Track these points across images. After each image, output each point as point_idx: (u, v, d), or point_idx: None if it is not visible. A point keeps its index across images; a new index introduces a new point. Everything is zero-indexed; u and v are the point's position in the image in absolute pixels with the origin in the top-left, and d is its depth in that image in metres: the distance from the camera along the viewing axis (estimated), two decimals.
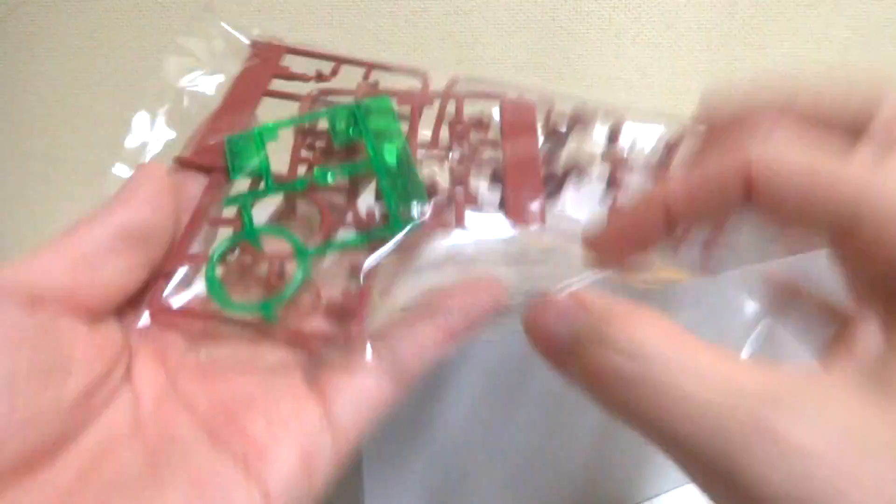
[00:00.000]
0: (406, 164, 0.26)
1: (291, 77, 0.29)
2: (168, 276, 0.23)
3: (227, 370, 0.23)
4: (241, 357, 0.23)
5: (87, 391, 0.19)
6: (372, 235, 0.24)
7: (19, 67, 0.47)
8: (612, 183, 0.28)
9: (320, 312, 0.23)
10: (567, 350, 0.19)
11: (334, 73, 0.29)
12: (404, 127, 0.28)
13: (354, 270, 0.24)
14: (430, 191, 0.26)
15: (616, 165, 0.28)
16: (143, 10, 0.46)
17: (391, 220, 0.24)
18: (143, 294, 0.23)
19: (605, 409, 0.18)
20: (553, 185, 0.27)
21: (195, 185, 0.26)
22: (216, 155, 0.26)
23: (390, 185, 0.25)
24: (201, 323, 0.23)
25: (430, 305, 0.23)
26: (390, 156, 0.26)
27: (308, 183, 0.25)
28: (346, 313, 0.23)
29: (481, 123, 0.28)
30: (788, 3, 0.48)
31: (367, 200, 0.26)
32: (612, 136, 0.29)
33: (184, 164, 0.26)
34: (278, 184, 0.25)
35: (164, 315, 0.23)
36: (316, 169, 0.26)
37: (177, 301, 0.23)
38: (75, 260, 0.20)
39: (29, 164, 0.51)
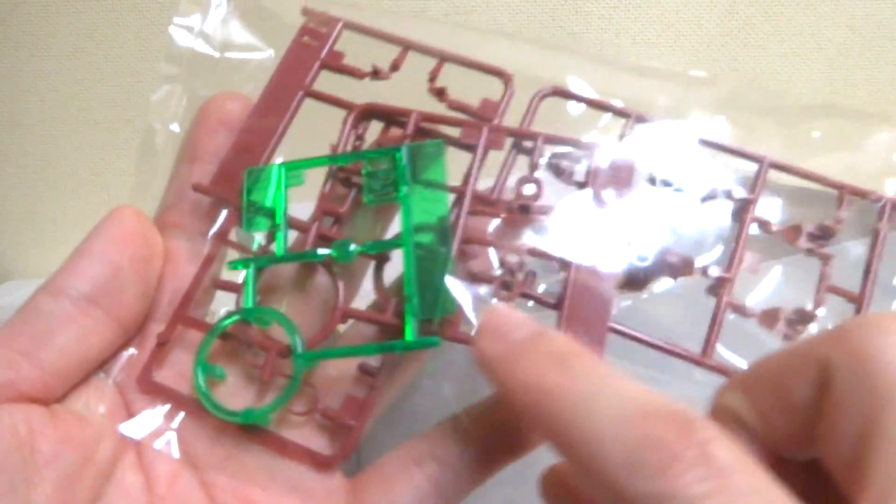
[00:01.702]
0: (442, 247, 0.20)
1: (342, 70, 0.22)
2: (162, 343, 0.20)
3: (256, 467, 0.20)
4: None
5: (63, 487, 0.17)
6: (385, 346, 0.20)
7: (19, 67, 0.47)
8: (720, 287, 0.21)
9: (314, 419, 0.21)
10: (506, 357, 0.17)
11: (395, 67, 0.22)
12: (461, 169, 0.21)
13: (364, 372, 0.21)
14: (477, 278, 0.20)
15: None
16: (142, 11, 0.46)
17: (405, 328, 0.19)
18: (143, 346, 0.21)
19: (526, 418, 0.17)
20: (640, 276, 0.21)
21: (206, 222, 0.22)
22: (237, 184, 0.21)
23: (418, 272, 0.20)
24: (185, 407, 0.20)
25: (425, 445, 0.21)
26: (426, 235, 0.20)
27: (325, 256, 0.21)
28: (343, 426, 0.20)
29: (560, 170, 0.22)
30: (788, 3, 0.48)
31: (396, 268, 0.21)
32: (739, 211, 0.21)
33: (200, 191, 0.21)
34: (290, 253, 0.21)
35: (150, 389, 0.20)
36: (334, 245, 0.21)
37: (168, 373, 0.20)
38: (15, 346, 0.18)
39: (29, 164, 0.51)
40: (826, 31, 0.49)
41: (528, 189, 0.21)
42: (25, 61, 0.47)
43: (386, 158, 0.21)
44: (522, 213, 0.21)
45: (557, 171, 0.21)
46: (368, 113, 0.22)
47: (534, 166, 0.21)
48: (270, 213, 0.21)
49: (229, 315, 0.21)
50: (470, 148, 0.21)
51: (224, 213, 0.22)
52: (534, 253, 0.20)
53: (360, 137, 0.22)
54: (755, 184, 0.22)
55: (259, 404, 0.21)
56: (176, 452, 0.20)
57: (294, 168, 0.21)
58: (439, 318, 0.19)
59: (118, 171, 0.51)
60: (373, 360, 0.21)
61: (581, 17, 0.47)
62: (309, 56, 0.22)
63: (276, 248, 0.21)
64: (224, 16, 0.23)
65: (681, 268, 0.21)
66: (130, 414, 0.20)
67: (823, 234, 0.21)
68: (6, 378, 0.18)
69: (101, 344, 0.20)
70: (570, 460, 0.15)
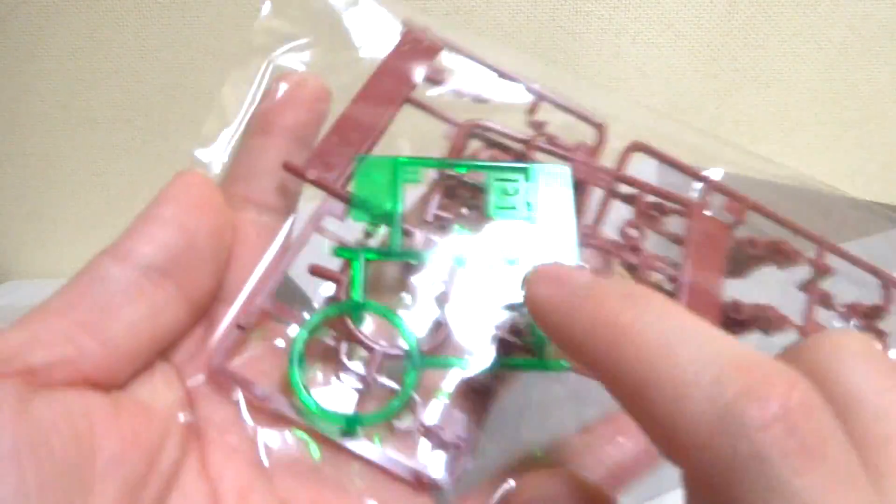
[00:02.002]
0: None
1: (444, 86, 0.22)
2: (243, 326, 0.18)
3: (345, 479, 0.18)
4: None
5: (124, 496, 0.14)
6: (508, 363, 0.19)
7: (19, 67, 0.47)
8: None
9: (417, 435, 0.19)
10: (568, 298, 0.15)
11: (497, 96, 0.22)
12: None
13: (475, 393, 0.19)
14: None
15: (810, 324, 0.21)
16: (142, 11, 0.46)
17: (536, 352, 0.19)
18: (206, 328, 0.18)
19: (592, 365, 0.15)
20: (731, 328, 0.21)
21: (281, 201, 0.20)
22: (336, 168, 0.20)
23: None
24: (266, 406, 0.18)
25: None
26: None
27: (450, 261, 0.20)
28: (451, 446, 0.19)
29: (653, 221, 0.22)
30: (788, 3, 0.48)
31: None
32: (810, 284, 0.21)
33: (292, 171, 0.20)
34: (410, 250, 0.20)
35: (223, 380, 0.18)
36: (459, 252, 0.20)
37: (245, 364, 0.18)
38: (76, 317, 0.15)
39: (29, 164, 0.51)
40: (826, 31, 0.49)
41: (632, 232, 0.21)
42: (25, 61, 0.47)
43: (516, 173, 0.21)
44: (633, 252, 0.21)
45: (651, 223, 0.22)
46: (481, 130, 0.22)
47: (639, 214, 0.22)
48: (375, 209, 0.20)
49: (331, 305, 0.19)
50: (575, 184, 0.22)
51: (305, 193, 0.21)
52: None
53: (459, 152, 0.22)
54: (817, 261, 0.22)
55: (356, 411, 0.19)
56: (256, 456, 0.17)
57: (412, 165, 0.21)
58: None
59: (118, 172, 0.51)
60: (483, 378, 0.19)
61: (581, 17, 0.47)
62: (412, 65, 0.22)
63: (391, 243, 0.20)
64: (326, 3, 0.23)
65: (776, 324, 0.21)
66: (195, 408, 0.17)
67: (877, 314, 0.22)
68: (64, 355, 0.15)
69: (170, 323, 0.17)
70: (642, 410, 0.13)
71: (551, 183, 0.21)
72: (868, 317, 0.22)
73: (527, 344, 0.19)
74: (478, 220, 0.21)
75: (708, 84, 0.50)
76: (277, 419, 0.18)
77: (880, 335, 0.22)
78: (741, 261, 0.22)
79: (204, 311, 0.18)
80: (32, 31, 0.46)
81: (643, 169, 0.23)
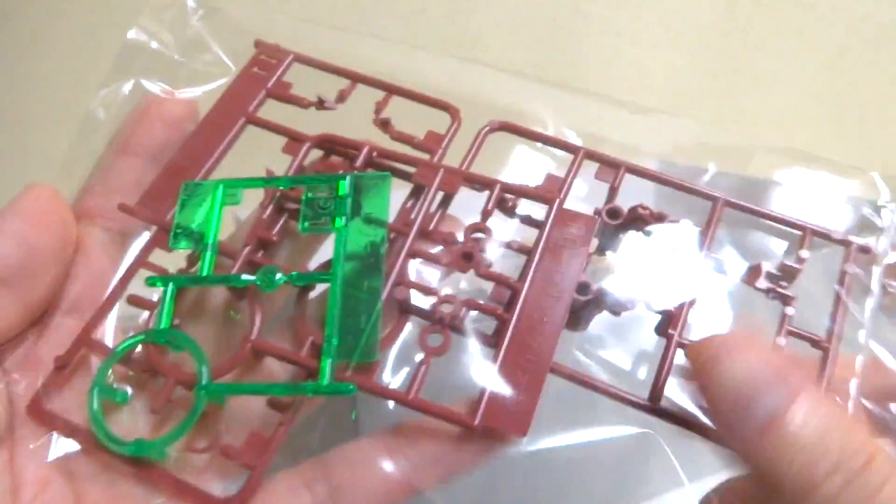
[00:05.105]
0: (372, 282, 0.19)
1: (288, 100, 0.23)
2: (61, 366, 0.19)
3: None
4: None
5: None
6: (294, 388, 0.19)
7: (19, 67, 0.47)
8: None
9: (217, 456, 0.19)
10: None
11: (342, 98, 0.23)
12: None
13: (273, 407, 0.19)
14: (405, 307, 0.19)
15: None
16: (143, 11, 0.46)
17: (321, 370, 0.18)
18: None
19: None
20: (583, 311, 0.20)
21: (126, 221, 0.21)
22: (165, 205, 0.21)
23: (343, 310, 0.19)
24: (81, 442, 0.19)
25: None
26: (355, 266, 0.19)
27: (249, 282, 0.20)
28: (244, 467, 0.18)
29: (507, 209, 0.21)
30: (788, 3, 0.48)
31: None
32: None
33: (126, 212, 0.21)
34: (212, 276, 0.20)
35: (43, 417, 0.19)
36: (260, 272, 0.20)
37: (61, 402, 0.19)
38: None
39: (29, 164, 0.51)
40: (826, 31, 0.49)
41: (477, 236, 0.20)
42: (25, 61, 0.47)
43: (328, 185, 0.20)
44: (465, 260, 0.20)
45: (505, 208, 0.21)
46: (324, 143, 0.22)
47: (486, 214, 0.20)
48: (198, 235, 0.21)
49: (135, 336, 0.20)
50: (422, 187, 0.21)
51: (144, 234, 0.21)
52: (470, 306, 0.19)
53: (301, 168, 0.22)
54: (709, 221, 0.20)
55: (155, 436, 0.20)
56: (50, 454, 0.18)
57: (233, 186, 0.21)
58: (355, 364, 0.18)
59: None
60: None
61: (581, 17, 0.47)
62: (256, 84, 0.23)
63: (200, 269, 0.20)
64: (193, 22, 0.24)
65: (624, 303, 0.19)
66: (13, 406, 0.19)
67: (784, 275, 0.19)
68: None
69: (2, 328, 0.18)
70: None
71: (368, 190, 0.20)
72: (776, 278, 0.19)
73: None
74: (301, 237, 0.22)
75: (708, 84, 0.50)
76: (91, 451, 0.19)
77: (787, 300, 0.19)
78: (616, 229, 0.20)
79: (39, 316, 0.19)
80: (32, 30, 0.46)
81: (642, 186, 0.21)
